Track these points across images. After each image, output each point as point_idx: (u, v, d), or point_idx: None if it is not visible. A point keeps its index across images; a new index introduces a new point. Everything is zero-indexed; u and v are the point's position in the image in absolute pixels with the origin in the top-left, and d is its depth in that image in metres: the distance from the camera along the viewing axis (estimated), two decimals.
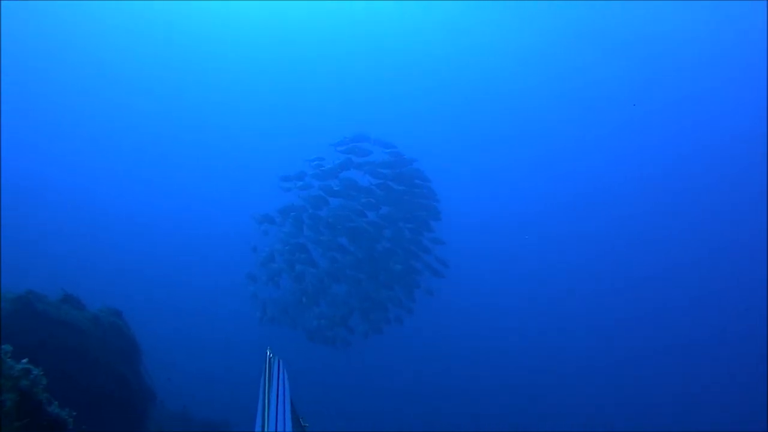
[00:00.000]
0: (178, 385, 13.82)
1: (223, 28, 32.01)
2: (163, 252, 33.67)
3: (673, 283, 33.23)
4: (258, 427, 1.81)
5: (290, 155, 12.73)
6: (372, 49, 32.40)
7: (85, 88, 36.23)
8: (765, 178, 30.48)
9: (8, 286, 7.97)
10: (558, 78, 32.07)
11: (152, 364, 9.82)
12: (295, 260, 12.24)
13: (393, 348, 20.90)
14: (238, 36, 32.46)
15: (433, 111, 35.24)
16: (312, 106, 34.44)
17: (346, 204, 11.58)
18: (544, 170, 37.03)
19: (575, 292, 33.11)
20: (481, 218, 34.99)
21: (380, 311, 12.77)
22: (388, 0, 27.78)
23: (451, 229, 12.51)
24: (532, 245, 35.34)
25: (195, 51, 34.23)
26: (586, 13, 26.26)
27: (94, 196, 37.58)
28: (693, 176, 34.24)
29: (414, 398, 22.44)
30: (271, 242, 12.70)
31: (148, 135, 38.67)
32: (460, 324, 28.49)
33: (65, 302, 8.51)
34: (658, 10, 25.53)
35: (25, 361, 3.81)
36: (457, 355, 26.23)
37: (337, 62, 33.75)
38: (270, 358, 2.28)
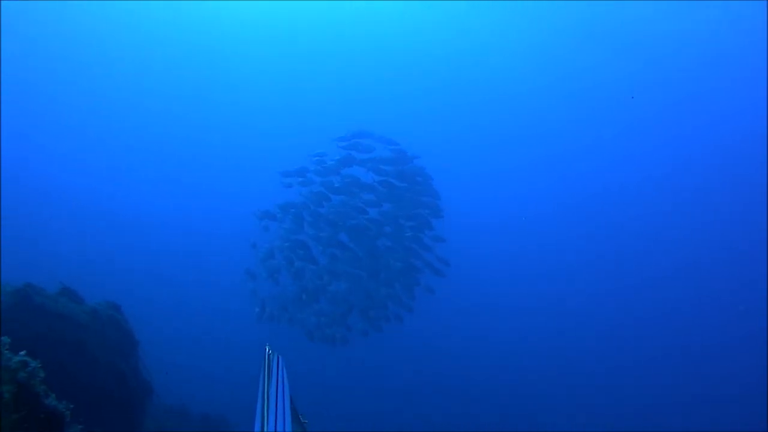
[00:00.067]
0: (176, 381, 13.79)
1: (224, 25, 31.96)
2: (162, 248, 33.63)
3: (673, 284, 33.27)
4: (257, 426, 1.78)
5: (293, 153, 12.66)
6: (377, 48, 32.39)
7: (84, 86, 36.25)
8: (766, 180, 30.49)
9: (8, 281, 7.93)
10: (562, 78, 32.05)
11: (150, 359, 9.78)
12: (295, 257, 12.19)
13: (393, 348, 20.89)
14: (240, 34, 32.40)
15: (435, 110, 35.23)
16: (316, 106, 34.38)
17: (347, 201, 11.54)
18: (546, 171, 37.03)
19: (576, 293, 33.13)
20: (483, 218, 34.98)
21: (380, 309, 12.73)
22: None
23: (453, 228, 12.48)
24: (534, 246, 35.34)
25: (198, 48, 34.21)
26: (592, 12, 26.21)
27: (94, 192, 37.55)
28: (698, 177, 34.23)
29: (414, 398, 22.43)
30: (271, 239, 12.67)
31: (147, 131, 38.65)
32: (460, 324, 28.51)
33: (63, 295, 8.48)
34: (664, 9, 25.47)
35: (22, 353, 3.77)
36: (458, 355, 26.22)
37: (341, 62, 33.73)
38: (269, 355, 2.25)
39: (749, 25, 25.48)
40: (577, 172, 36.80)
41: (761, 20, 24.87)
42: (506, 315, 30.94)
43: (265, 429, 1.77)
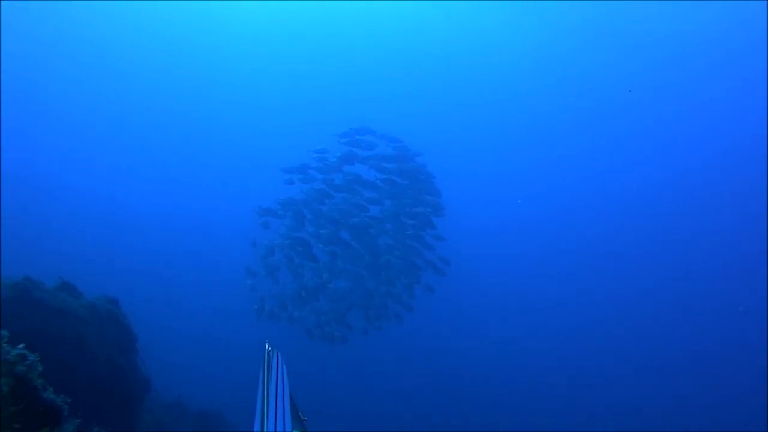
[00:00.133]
0: (175, 380, 13.80)
1: (227, 24, 31.92)
2: (162, 247, 33.62)
3: (673, 284, 33.30)
4: (257, 426, 1.77)
5: (296, 152, 12.61)
6: (379, 48, 32.34)
7: (84, 86, 36.23)
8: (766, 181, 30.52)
9: (7, 276, 7.91)
10: (567, 79, 32.02)
11: (150, 358, 9.77)
12: (295, 254, 12.15)
13: (392, 347, 20.89)
14: (244, 33, 32.36)
15: (437, 110, 35.20)
16: (319, 106, 34.35)
17: (349, 198, 11.49)
18: (547, 172, 37.02)
19: (577, 294, 33.15)
20: (484, 218, 34.99)
21: (380, 308, 12.70)
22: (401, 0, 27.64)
23: (455, 228, 12.46)
24: (535, 248, 35.35)
25: (198, 46, 34.18)
26: (598, 13, 26.15)
27: (93, 191, 37.52)
28: (699, 180, 34.23)
29: (413, 397, 22.42)
30: (271, 236, 12.63)
31: (147, 130, 38.63)
32: (460, 323, 28.52)
33: (62, 290, 8.46)
34: (672, 10, 25.41)
35: (21, 346, 3.76)
36: (457, 355, 26.23)
37: (342, 61, 33.70)
38: (268, 352, 2.24)
39: (761, 26, 25.42)
40: (578, 174, 36.81)
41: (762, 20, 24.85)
42: (506, 315, 30.95)
43: (265, 428, 1.76)
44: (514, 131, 36.01)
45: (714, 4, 24.92)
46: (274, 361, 2.17)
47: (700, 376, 27.66)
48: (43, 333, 7.28)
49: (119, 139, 38.53)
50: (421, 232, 11.71)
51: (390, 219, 11.66)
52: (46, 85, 35.82)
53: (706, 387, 26.76)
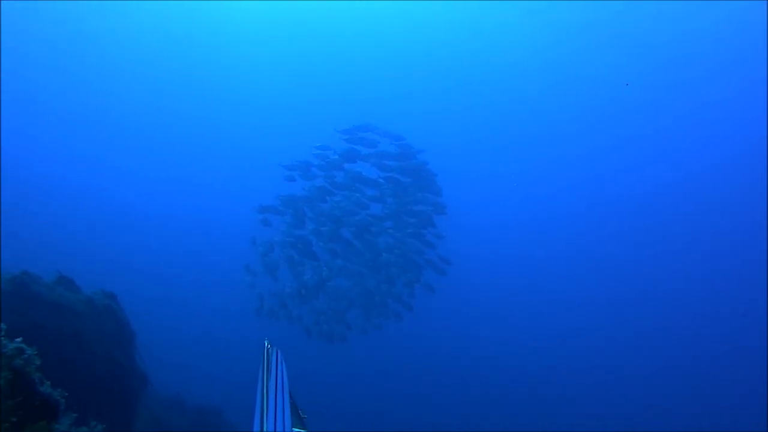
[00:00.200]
0: (174, 379, 13.80)
1: (226, 22, 31.84)
2: (162, 246, 33.58)
3: (673, 285, 33.35)
4: (257, 426, 1.77)
5: (298, 151, 12.60)
6: (386, 48, 32.28)
7: (83, 85, 36.17)
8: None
9: (6, 271, 7.90)
10: (570, 80, 32.00)
11: (149, 357, 9.76)
12: (295, 252, 12.13)
13: (392, 348, 20.89)
14: (248, 32, 32.27)
15: (440, 110, 35.14)
16: (321, 106, 34.27)
17: (350, 196, 11.44)
18: (551, 173, 36.99)
19: (577, 295, 33.17)
20: (484, 218, 34.97)
21: (380, 306, 12.69)
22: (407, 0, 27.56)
23: (455, 228, 12.42)
24: (537, 249, 35.33)
25: (199, 45, 34.11)
26: (604, 14, 26.09)
27: (94, 189, 37.44)
28: (700, 181, 34.25)
29: (413, 398, 22.44)
30: (271, 234, 12.60)
31: (147, 130, 38.53)
32: (460, 324, 28.53)
33: (60, 284, 8.45)
34: (679, 10, 25.36)
35: (18, 340, 3.77)
36: (457, 356, 26.26)
37: (348, 61, 33.64)
38: (268, 350, 2.24)
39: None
40: (578, 174, 36.77)
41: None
42: (506, 315, 30.97)
43: (265, 427, 1.77)
44: (517, 131, 35.94)
45: (717, 4, 24.88)
46: (274, 358, 2.18)
47: (700, 377, 27.75)
48: (41, 327, 7.28)
49: (119, 138, 38.47)
50: (422, 230, 11.66)
51: (391, 217, 11.61)
52: (45, 85, 35.78)
53: (706, 387, 26.85)
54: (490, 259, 33.07)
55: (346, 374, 21.26)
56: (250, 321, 13.75)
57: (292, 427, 1.89)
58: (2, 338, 3.68)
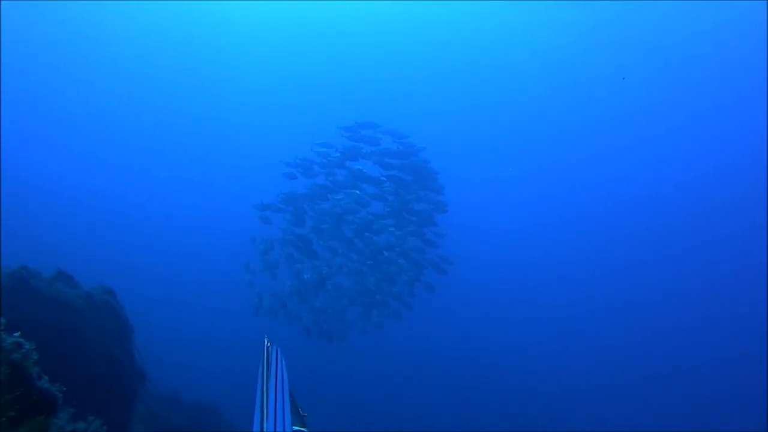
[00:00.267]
0: (174, 378, 13.79)
1: (230, 22, 31.79)
2: (163, 246, 33.54)
3: (673, 285, 33.37)
4: (257, 426, 1.77)
5: (300, 150, 12.57)
6: (389, 48, 32.24)
7: (83, 85, 36.11)
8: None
9: (5, 266, 7.89)
10: (573, 81, 31.97)
11: (144, 347, 9.75)
12: (295, 251, 12.08)
13: (392, 347, 20.86)
14: (249, 32, 32.22)
15: (444, 110, 35.10)
16: (325, 105, 34.23)
17: (350, 194, 11.41)
18: (552, 173, 36.96)
19: (578, 297, 33.18)
20: (485, 219, 34.95)
21: (380, 306, 12.65)
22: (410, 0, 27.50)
23: (456, 228, 12.38)
24: (538, 250, 35.31)
25: (200, 45, 34.06)
26: (604, 16, 26.05)
27: (94, 189, 37.39)
28: (701, 184, 34.22)
29: (412, 398, 22.43)
30: (271, 232, 12.57)
31: (147, 128, 38.49)
32: (460, 324, 28.52)
33: (58, 279, 8.45)
34: (676, 11, 25.32)
35: (17, 334, 3.76)
36: (457, 356, 26.25)
37: (351, 60, 33.59)
38: (267, 348, 2.24)
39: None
40: (580, 175, 36.75)
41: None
42: (506, 316, 30.97)
43: (265, 425, 1.76)
44: (519, 132, 35.91)
45: (719, 4, 24.84)
46: (274, 356, 2.17)
47: (700, 377, 27.78)
48: (39, 322, 7.28)
49: (119, 137, 38.43)
50: (423, 228, 11.61)
51: (392, 215, 11.56)
52: (45, 85, 35.76)
53: (706, 388, 26.88)
54: (491, 259, 33.06)
55: (345, 373, 21.25)
56: (249, 320, 13.72)
57: (292, 426, 1.88)
58: (1, 332, 3.67)
